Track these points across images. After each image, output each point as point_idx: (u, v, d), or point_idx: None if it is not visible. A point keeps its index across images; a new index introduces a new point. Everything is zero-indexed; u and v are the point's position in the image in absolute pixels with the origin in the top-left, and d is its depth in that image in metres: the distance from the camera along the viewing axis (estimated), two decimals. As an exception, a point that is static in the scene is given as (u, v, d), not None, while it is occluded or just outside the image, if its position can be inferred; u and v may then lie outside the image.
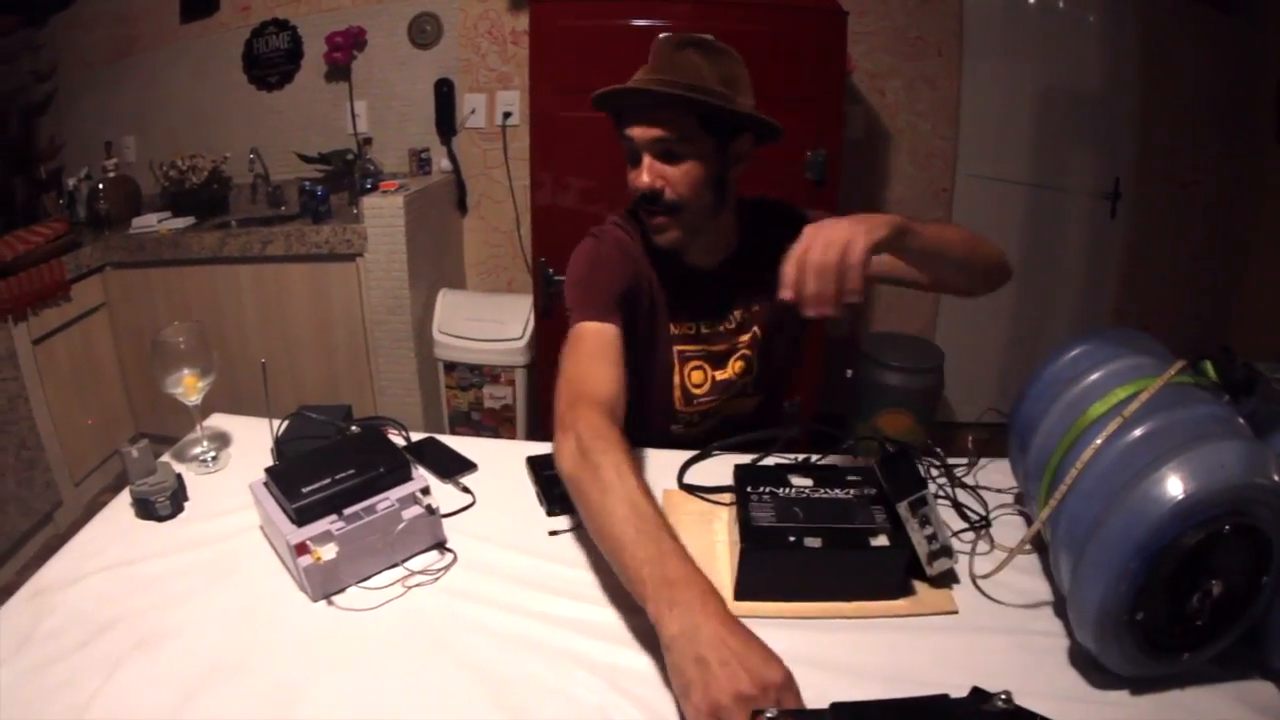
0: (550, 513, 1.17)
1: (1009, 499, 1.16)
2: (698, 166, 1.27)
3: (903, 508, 0.91)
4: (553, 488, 1.16)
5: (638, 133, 1.26)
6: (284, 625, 0.97)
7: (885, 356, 3.03)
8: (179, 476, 1.20)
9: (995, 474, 1.23)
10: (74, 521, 2.91)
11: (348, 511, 1.01)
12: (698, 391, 1.46)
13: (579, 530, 1.12)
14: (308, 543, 0.97)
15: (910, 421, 3.02)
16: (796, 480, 1.01)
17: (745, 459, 1.26)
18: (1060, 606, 0.91)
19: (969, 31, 2.97)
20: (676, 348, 1.44)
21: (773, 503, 0.96)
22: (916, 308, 3.40)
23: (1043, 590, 0.96)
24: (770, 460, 1.24)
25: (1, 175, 3.33)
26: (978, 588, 0.95)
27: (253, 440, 1.37)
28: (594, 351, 1.19)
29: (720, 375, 1.46)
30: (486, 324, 3.07)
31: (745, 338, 1.46)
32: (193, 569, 1.07)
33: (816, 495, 0.97)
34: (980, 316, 3.27)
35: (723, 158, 1.29)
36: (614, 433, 1.02)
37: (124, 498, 1.20)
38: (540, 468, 1.24)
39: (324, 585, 1.00)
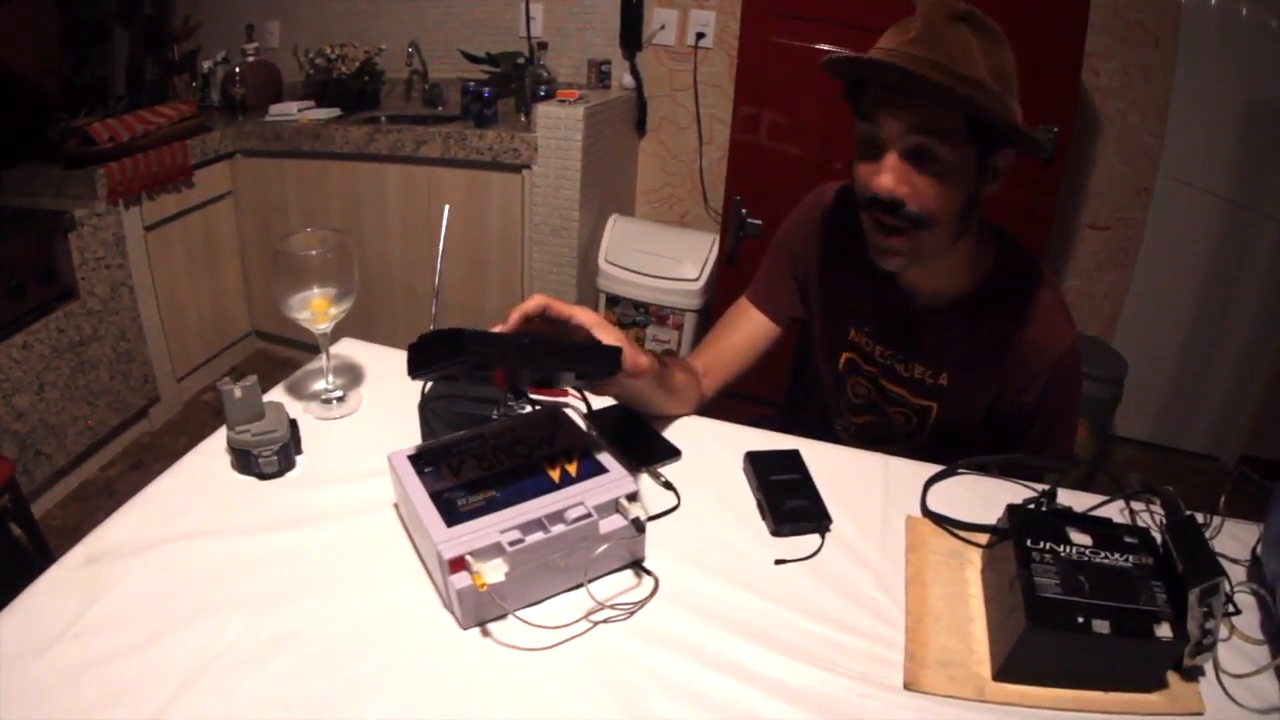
0: (776, 531, 0.88)
1: (1240, 573, 0.91)
2: (954, 178, 0.96)
3: (1194, 594, 0.78)
4: (781, 500, 0.90)
5: (888, 123, 0.94)
6: (414, 654, 0.70)
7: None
8: (293, 423, 0.92)
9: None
10: (169, 420, 2.81)
11: (523, 515, 0.71)
12: (858, 402, 1.25)
13: (815, 559, 0.85)
14: (468, 559, 0.68)
15: (1085, 433, 2.69)
16: (1076, 536, 0.82)
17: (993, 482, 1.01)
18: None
19: (1185, 29, 2.76)
20: (845, 355, 1.22)
21: (1056, 566, 0.78)
22: (1100, 308, 3.10)
23: (1271, 692, 0.79)
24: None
25: (131, 55, 3.19)
26: (1222, 687, 0.78)
27: (392, 378, 1.08)
28: (726, 326, 1.28)
29: (884, 406, 1.22)
30: (660, 259, 2.77)
31: (914, 400, 1.18)
32: (302, 551, 0.81)
33: (1098, 560, 0.80)
34: (1160, 326, 3.05)
35: (981, 172, 0.98)
36: (685, 364, 1.18)
37: (218, 441, 0.93)
38: (763, 469, 0.94)
39: (479, 611, 0.71)
